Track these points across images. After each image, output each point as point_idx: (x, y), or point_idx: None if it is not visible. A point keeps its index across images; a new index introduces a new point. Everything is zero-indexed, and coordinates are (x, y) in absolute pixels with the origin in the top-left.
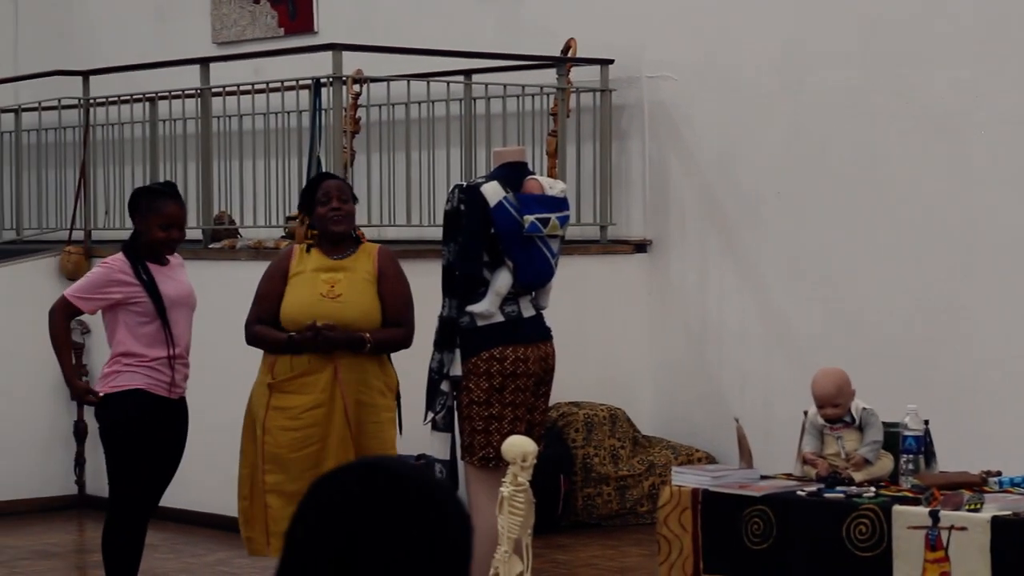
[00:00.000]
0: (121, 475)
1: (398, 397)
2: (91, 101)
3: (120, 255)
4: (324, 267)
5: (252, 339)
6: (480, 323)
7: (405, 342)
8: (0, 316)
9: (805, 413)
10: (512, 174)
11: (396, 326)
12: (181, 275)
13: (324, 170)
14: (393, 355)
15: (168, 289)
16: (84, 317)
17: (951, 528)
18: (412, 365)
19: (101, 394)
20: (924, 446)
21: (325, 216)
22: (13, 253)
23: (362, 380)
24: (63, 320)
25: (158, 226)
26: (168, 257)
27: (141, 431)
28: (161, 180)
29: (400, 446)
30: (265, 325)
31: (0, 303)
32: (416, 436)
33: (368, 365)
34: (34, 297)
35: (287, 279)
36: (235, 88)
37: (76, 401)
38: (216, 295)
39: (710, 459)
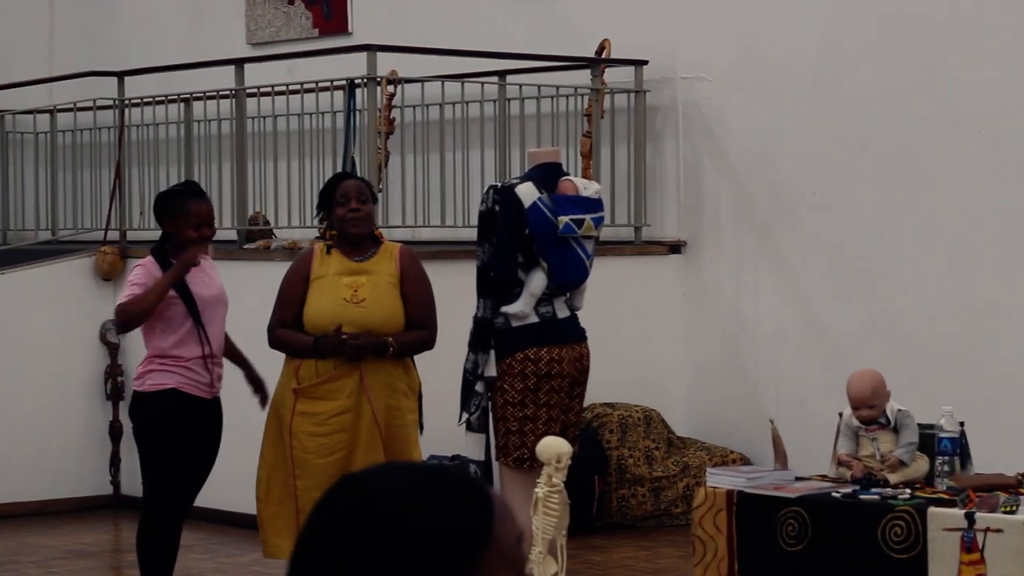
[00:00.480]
0: (155, 475)
1: (420, 398)
2: (126, 102)
3: (149, 258)
4: (346, 270)
5: (275, 343)
6: (515, 324)
7: (428, 343)
8: (36, 316)
9: (840, 415)
10: (547, 175)
11: (419, 327)
12: (212, 275)
13: (358, 171)
14: (420, 357)
15: (200, 289)
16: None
17: (987, 530)
18: (440, 366)
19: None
20: (960, 448)
21: (344, 217)
22: (49, 253)
23: (388, 384)
24: (131, 320)
25: (190, 226)
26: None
27: (174, 431)
28: (195, 180)
29: (434, 447)
30: (288, 329)
31: (36, 303)
32: (450, 437)
33: (393, 368)
34: (70, 297)
35: (308, 282)
36: (270, 89)
37: (183, 268)
38: (250, 295)
39: (745, 460)
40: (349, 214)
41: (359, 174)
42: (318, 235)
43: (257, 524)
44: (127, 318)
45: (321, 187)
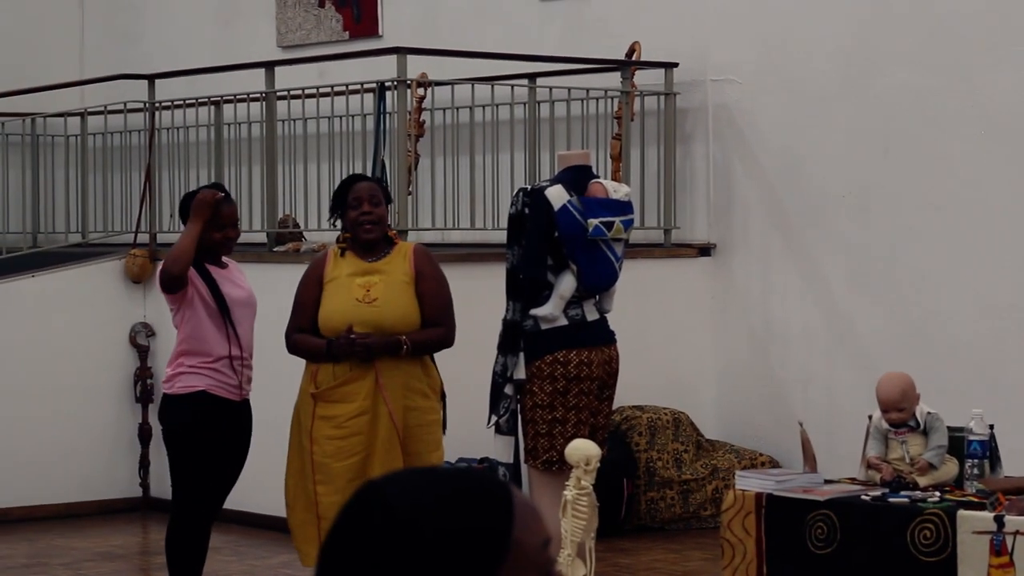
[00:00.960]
0: (184, 477)
1: (443, 398)
2: (156, 105)
3: None
4: (359, 271)
5: (292, 348)
6: (544, 326)
7: (445, 342)
8: (66, 318)
9: (869, 417)
10: (576, 177)
11: (435, 326)
12: (240, 279)
13: (387, 174)
14: (447, 358)
15: (230, 291)
16: (150, 320)
17: (1016, 533)
18: (469, 369)
19: (165, 393)
20: (989, 451)
21: (356, 220)
22: (79, 256)
23: (405, 384)
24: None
25: (214, 227)
26: (225, 261)
27: (203, 433)
28: (225, 184)
29: (463, 450)
30: (304, 333)
31: (66, 305)
32: (479, 440)
33: (409, 368)
34: (100, 300)
35: (322, 285)
36: (300, 92)
37: (203, 204)
38: (280, 298)
39: (774, 463)
40: (361, 217)
41: (388, 177)
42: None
43: (289, 530)
44: (167, 266)
45: (335, 189)
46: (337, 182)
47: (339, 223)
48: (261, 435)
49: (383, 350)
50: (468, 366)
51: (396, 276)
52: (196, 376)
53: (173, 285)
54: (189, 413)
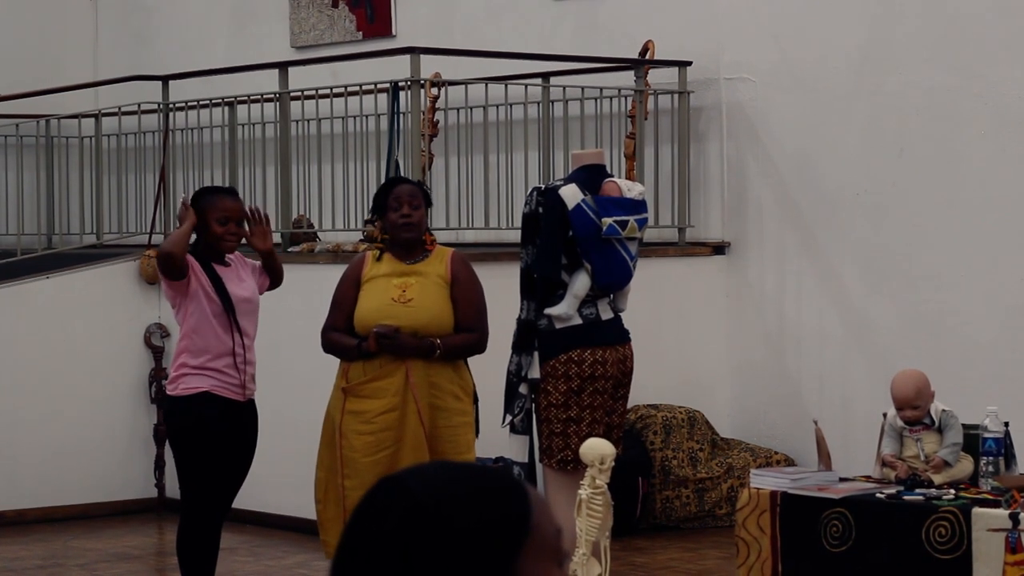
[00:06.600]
0: (192, 478)
1: (476, 401)
2: (170, 105)
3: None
4: (396, 272)
5: (327, 346)
6: (558, 325)
7: (478, 347)
8: (80, 319)
9: (884, 415)
10: (590, 176)
11: (468, 331)
12: (245, 276)
13: (402, 173)
14: (469, 359)
15: (235, 289)
16: (165, 320)
17: None
18: (487, 368)
19: (168, 393)
20: (1004, 448)
21: (395, 223)
22: (93, 257)
23: (434, 384)
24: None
25: (215, 220)
26: (229, 259)
27: (208, 434)
28: (239, 184)
29: (478, 449)
30: (340, 332)
31: (80, 306)
32: (494, 439)
33: (439, 369)
34: (114, 300)
35: (360, 285)
36: (313, 92)
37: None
38: (294, 298)
39: (789, 461)
40: (400, 219)
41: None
42: (362, 238)
43: (317, 526)
44: (163, 247)
45: (376, 190)
46: (351, 182)
47: (367, 224)
48: (277, 435)
49: (415, 351)
50: (483, 365)
51: (432, 278)
52: (199, 377)
53: (170, 266)
54: (193, 414)
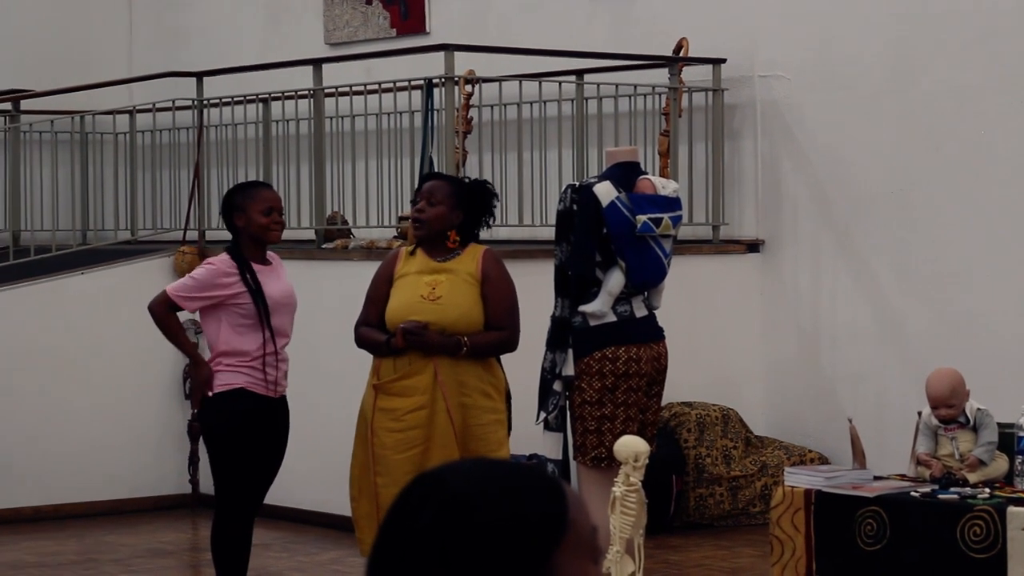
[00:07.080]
0: (226, 474)
1: (508, 398)
2: (205, 102)
3: (225, 256)
4: (427, 269)
5: (358, 341)
6: (592, 323)
7: (508, 345)
8: (115, 315)
9: (919, 414)
10: (624, 174)
11: (498, 329)
12: (282, 275)
13: (435, 170)
14: (502, 356)
15: (272, 290)
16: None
17: None
18: (521, 366)
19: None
20: None
21: (412, 218)
22: (128, 253)
23: (463, 382)
24: (167, 313)
25: (260, 212)
26: (269, 257)
27: (243, 430)
28: (273, 181)
29: (512, 446)
30: (372, 327)
31: (115, 302)
32: (528, 436)
33: (468, 367)
34: (149, 297)
35: (392, 282)
36: (348, 89)
37: (198, 387)
38: (329, 295)
39: (823, 460)
40: (412, 215)
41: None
42: (396, 235)
43: (351, 522)
44: (155, 306)
45: (414, 187)
46: (385, 179)
47: (396, 221)
48: (311, 431)
49: (442, 349)
50: (517, 363)
51: (462, 276)
52: (234, 373)
53: (152, 315)
54: (229, 411)
